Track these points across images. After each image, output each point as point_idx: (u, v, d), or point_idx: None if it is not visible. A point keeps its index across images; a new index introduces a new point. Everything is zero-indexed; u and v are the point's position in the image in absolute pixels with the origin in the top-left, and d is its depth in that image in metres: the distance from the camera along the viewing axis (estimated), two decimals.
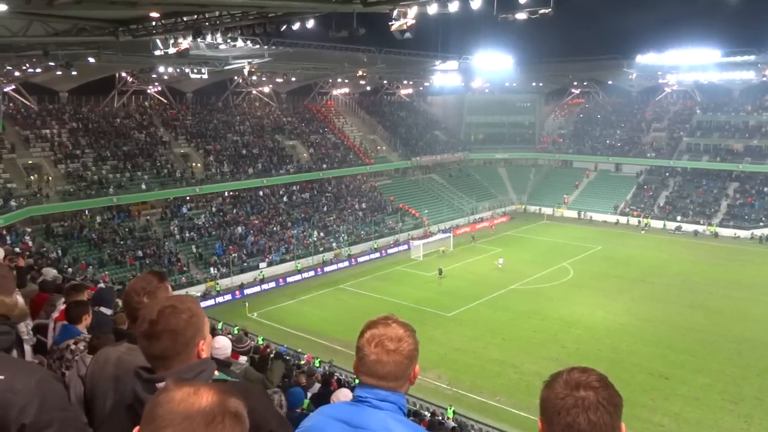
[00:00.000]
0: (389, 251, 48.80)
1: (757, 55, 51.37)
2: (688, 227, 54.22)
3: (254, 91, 60.27)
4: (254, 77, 53.11)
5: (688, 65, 56.19)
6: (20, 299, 2.09)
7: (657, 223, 56.10)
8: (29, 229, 36.85)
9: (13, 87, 43.40)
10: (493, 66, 56.30)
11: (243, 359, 4.56)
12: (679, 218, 55.91)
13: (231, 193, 49.61)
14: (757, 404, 22.89)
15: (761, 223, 52.11)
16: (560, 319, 32.39)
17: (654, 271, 40.92)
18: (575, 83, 73.08)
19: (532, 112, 76.53)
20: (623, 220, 58.43)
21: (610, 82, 70.27)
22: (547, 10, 13.05)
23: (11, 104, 44.33)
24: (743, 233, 51.62)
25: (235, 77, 55.01)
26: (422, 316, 32.81)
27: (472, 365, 26.88)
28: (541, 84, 73.34)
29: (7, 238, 31.30)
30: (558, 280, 40.01)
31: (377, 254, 48.05)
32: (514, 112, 75.54)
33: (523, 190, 67.82)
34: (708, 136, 62.85)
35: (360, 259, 46.44)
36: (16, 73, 39.61)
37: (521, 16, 13.66)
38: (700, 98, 66.58)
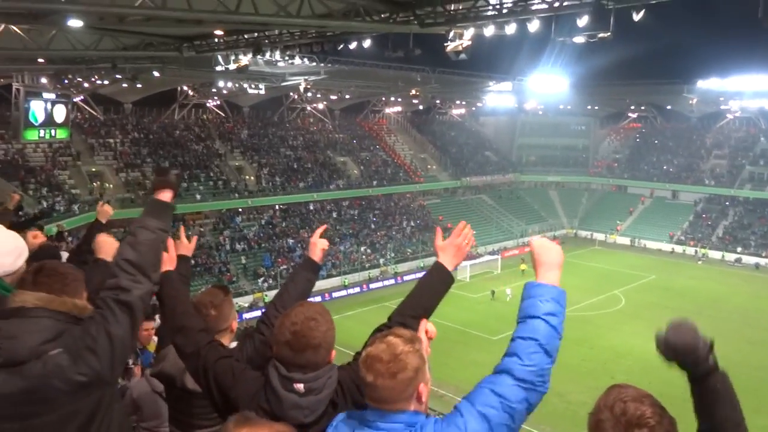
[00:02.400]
0: None
1: None
2: (749, 259, 51.93)
3: (309, 107, 61.38)
4: (309, 94, 54.12)
5: (753, 91, 54.22)
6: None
7: (715, 254, 53.97)
8: None
9: (82, 98, 45.55)
10: (547, 88, 55.73)
11: None
12: (739, 249, 53.64)
13: (282, 206, 50.48)
14: None
15: None
16: (610, 348, 31.45)
17: (711, 304, 39.30)
18: (632, 107, 71.47)
19: (587, 135, 75.20)
20: (679, 249, 56.48)
21: (669, 107, 68.47)
22: (606, 34, 12.84)
23: (79, 114, 46.48)
24: None
25: (291, 93, 56.19)
26: (467, 338, 32.44)
27: None
28: (596, 107, 71.98)
29: (70, 241, 32.62)
30: (609, 308, 38.92)
31: (423, 273, 47.79)
32: (567, 134, 74.39)
33: (575, 214, 66.49)
34: None
35: (406, 278, 46.33)
36: (86, 85, 41.54)
37: (579, 39, 13.45)
38: (765, 125, 64.06)
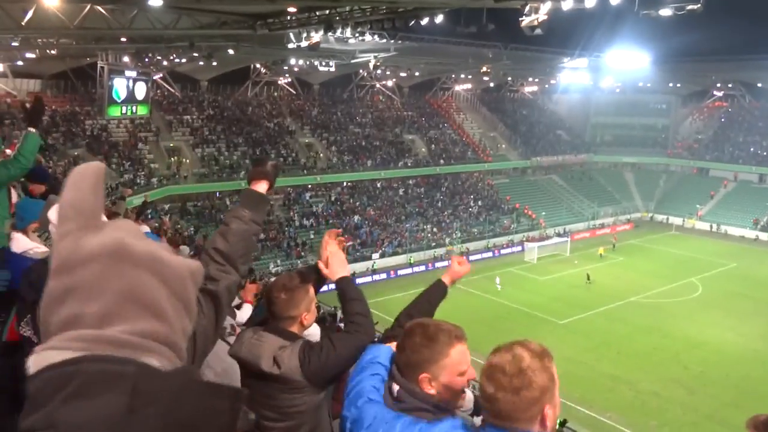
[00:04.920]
0: (502, 251, 47.93)
1: None
2: None
3: (378, 85, 61.34)
4: (378, 71, 54.01)
5: None
6: None
7: None
8: (167, 207, 40.05)
9: (161, 75, 47.28)
10: (626, 64, 53.28)
11: None
12: None
13: (349, 184, 50.99)
14: None
15: None
16: (684, 338, 30.21)
17: None
18: (718, 85, 67.26)
19: (667, 114, 71.58)
20: (764, 236, 53.27)
21: (759, 85, 64.05)
22: (695, 6, 12.03)
23: (158, 91, 48.31)
24: None
25: (361, 71, 56.21)
26: (533, 321, 31.99)
27: (583, 377, 25.77)
28: (678, 85, 68.21)
29: (148, 214, 34.25)
30: (684, 296, 37.31)
31: (490, 253, 47.36)
32: (646, 113, 70.97)
33: (651, 197, 63.76)
34: None
35: (472, 257, 45.94)
36: (164, 63, 43.12)
37: (666, 12, 12.66)
38: None
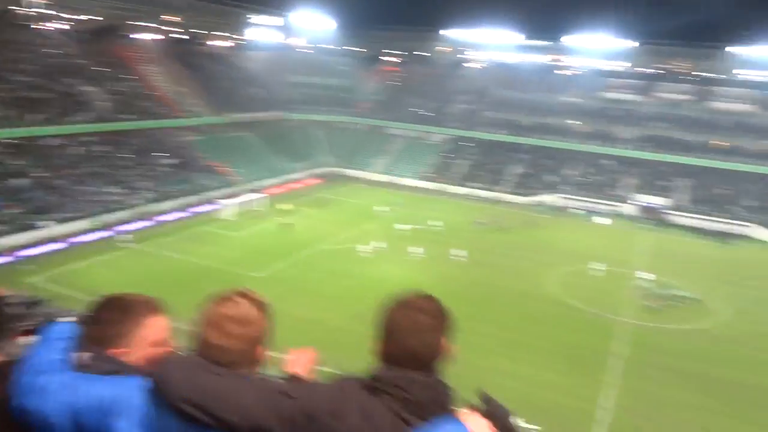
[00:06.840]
0: (197, 210, 46.91)
1: (553, 42, 58.23)
2: (482, 193, 59.96)
3: (46, 26, 52.96)
4: (42, 9, 46.68)
5: (494, 44, 61.46)
6: None
7: (456, 189, 61.12)
8: None
9: None
10: (315, 26, 56.07)
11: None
12: (475, 185, 61.39)
13: (13, 141, 43.53)
14: (526, 348, 26.52)
15: (543, 192, 59.47)
16: (367, 277, 34.04)
17: (449, 233, 44.62)
18: (392, 51, 75.79)
19: (350, 76, 77.88)
20: (424, 184, 62.81)
21: (423, 53, 74.06)
22: None
23: None
24: (526, 200, 58.41)
25: (14, 7, 47.63)
26: (232, 278, 32.35)
27: (280, 324, 25.89)
28: (362, 49, 74.84)
29: None
30: (366, 241, 41.80)
31: (184, 213, 45.89)
32: (334, 74, 76.22)
33: (339, 153, 69.21)
34: (505, 111, 69.57)
35: (165, 218, 44.02)
36: None
37: None
38: (500, 75, 73.11)
